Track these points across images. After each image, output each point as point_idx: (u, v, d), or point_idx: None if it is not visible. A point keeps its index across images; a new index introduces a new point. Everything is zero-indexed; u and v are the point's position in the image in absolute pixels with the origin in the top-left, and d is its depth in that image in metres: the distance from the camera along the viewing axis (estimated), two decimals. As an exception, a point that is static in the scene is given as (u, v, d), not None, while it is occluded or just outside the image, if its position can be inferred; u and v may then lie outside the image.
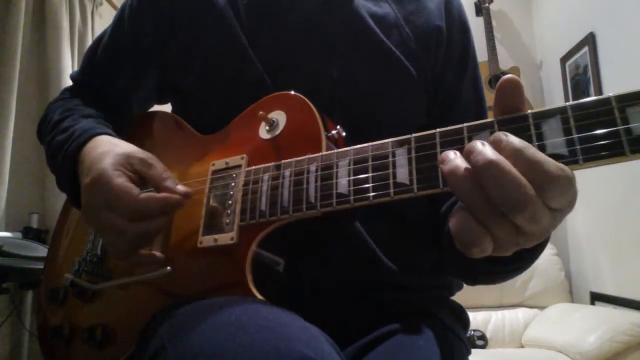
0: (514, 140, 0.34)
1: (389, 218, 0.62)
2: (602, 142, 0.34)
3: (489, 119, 0.39)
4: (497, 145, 0.34)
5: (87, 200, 0.55)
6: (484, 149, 0.34)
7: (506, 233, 0.35)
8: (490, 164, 0.33)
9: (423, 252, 0.65)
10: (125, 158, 0.55)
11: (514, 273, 0.53)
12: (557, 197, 0.34)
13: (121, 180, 0.52)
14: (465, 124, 0.40)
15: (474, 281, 0.61)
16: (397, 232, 0.63)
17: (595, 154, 0.34)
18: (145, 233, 0.52)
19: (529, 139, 0.36)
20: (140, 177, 0.55)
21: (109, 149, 0.57)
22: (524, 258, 0.48)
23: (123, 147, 0.58)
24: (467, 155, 0.35)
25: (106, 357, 0.58)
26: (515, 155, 0.34)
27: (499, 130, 0.38)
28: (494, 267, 0.51)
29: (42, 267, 0.75)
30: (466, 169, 0.35)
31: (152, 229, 0.53)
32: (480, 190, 0.34)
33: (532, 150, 0.34)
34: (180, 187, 0.55)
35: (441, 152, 0.40)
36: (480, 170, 0.34)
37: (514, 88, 0.37)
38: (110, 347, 0.58)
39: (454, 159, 0.36)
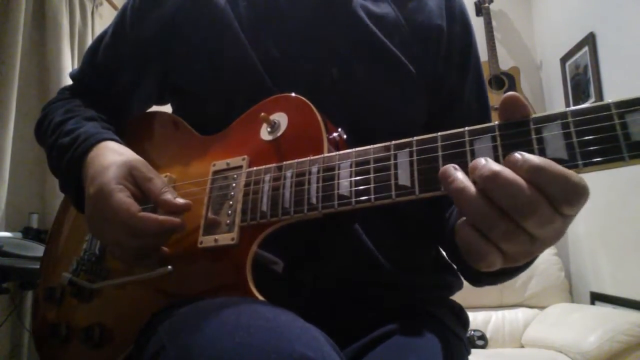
0: (532, 157, 0.35)
1: (388, 218, 0.62)
2: (602, 148, 0.34)
3: (490, 124, 0.40)
4: (512, 165, 0.35)
5: (90, 212, 0.55)
6: (487, 162, 0.35)
7: (519, 244, 0.35)
8: (497, 174, 0.34)
9: (422, 252, 0.66)
10: (128, 170, 0.55)
11: (518, 272, 0.54)
12: (576, 207, 0.34)
13: (121, 196, 0.52)
14: (467, 128, 0.40)
15: (479, 283, 0.61)
16: (396, 232, 0.63)
17: (594, 159, 0.35)
18: (144, 249, 0.53)
19: (529, 144, 0.37)
20: (141, 191, 0.56)
21: (113, 160, 0.56)
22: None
23: (127, 157, 0.58)
24: (472, 171, 0.36)
25: (103, 357, 0.58)
26: (535, 171, 0.34)
27: (500, 134, 0.38)
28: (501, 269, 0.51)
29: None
30: (473, 186, 0.35)
31: (150, 245, 0.53)
32: (491, 207, 0.35)
33: (553, 165, 0.34)
34: (180, 200, 0.54)
35: (443, 155, 0.41)
36: (488, 182, 0.34)
37: (516, 104, 0.38)
38: (108, 347, 0.58)
39: (458, 178, 0.36)
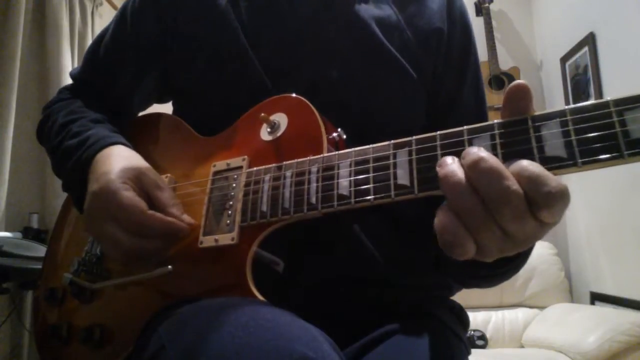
0: (523, 161, 0.35)
1: (387, 218, 0.62)
2: (601, 145, 0.34)
3: (489, 122, 0.40)
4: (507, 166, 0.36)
5: (91, 208, 0.55)
6: (478, 150, 0.36)
7: (491, 237, 0.36)
8: (481, 159, 0.35)
9: (421, 252, 0.66)
10: (137, 174, 0.56)
11: (501, 278, 0.54)
12: (553, 211, 0.35)
13: (129, 194, 0.53)
14: (466, 127, 0.41)
15: (462, 284, 0.61)
16: (396, 232, 0.63)
17: (593, 157, 0.35)
18: (142, 250, 0.53)
19: (528, 142, 0.37)
20: (148, 197, 0.56)
21: (121, 163, 0.57)
22: (509, 263, 0.49)
23: (137, 162, 0.58)
24: (463, 157, 0.37)
25: (104, 357, 0.58)
26: (520, 169, 0.35)
27: (499, 133, 0.39)
28: (479, 271, 0.51)
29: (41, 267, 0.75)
30: (462, 173, 0.36)
31: (150, 248, 0.53)
32: (471, 193, 0.35)
33: (538, 166, 0.35)
34: (186, 217, 0.55)
35: (442, 154, 0.41)
36: (471, 168, 0.35)
37: (524, 93, 0.38)
38: (108, 347, 0.58)
39: (451, 163, 0.37)
